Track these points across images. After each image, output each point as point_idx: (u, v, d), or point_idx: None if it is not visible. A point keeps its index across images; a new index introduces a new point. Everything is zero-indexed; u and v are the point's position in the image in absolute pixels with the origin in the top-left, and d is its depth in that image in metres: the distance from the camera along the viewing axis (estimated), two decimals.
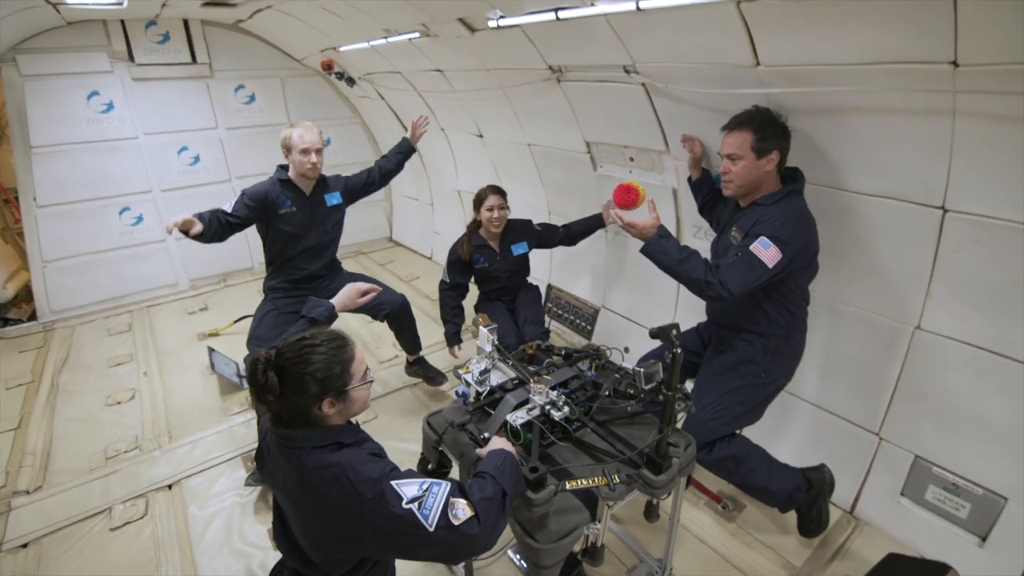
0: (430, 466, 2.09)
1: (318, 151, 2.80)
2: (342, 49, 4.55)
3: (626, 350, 3.90)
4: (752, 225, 1.94)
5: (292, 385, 1.31)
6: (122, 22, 4.71)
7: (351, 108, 6.10)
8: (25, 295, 5.13)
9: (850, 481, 2.52)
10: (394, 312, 3.21)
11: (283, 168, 2.89)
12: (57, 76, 4.56)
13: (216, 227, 2.64)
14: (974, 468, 2.14)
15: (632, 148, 3.05)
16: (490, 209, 3.13)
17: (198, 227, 2.54)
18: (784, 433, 2.78)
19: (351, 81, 5.24)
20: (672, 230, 3.05)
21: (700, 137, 2.54)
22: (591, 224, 3.37)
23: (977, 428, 2.10)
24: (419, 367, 3.52)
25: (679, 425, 2.20)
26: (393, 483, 1.27)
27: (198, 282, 5.53)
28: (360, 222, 6.44)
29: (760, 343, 2.16)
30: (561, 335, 4.23)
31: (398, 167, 3.28)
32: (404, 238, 6.54)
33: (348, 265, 5.91)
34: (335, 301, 2.09)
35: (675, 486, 1.98)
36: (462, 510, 1.27)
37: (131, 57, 4.80)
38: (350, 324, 4.58)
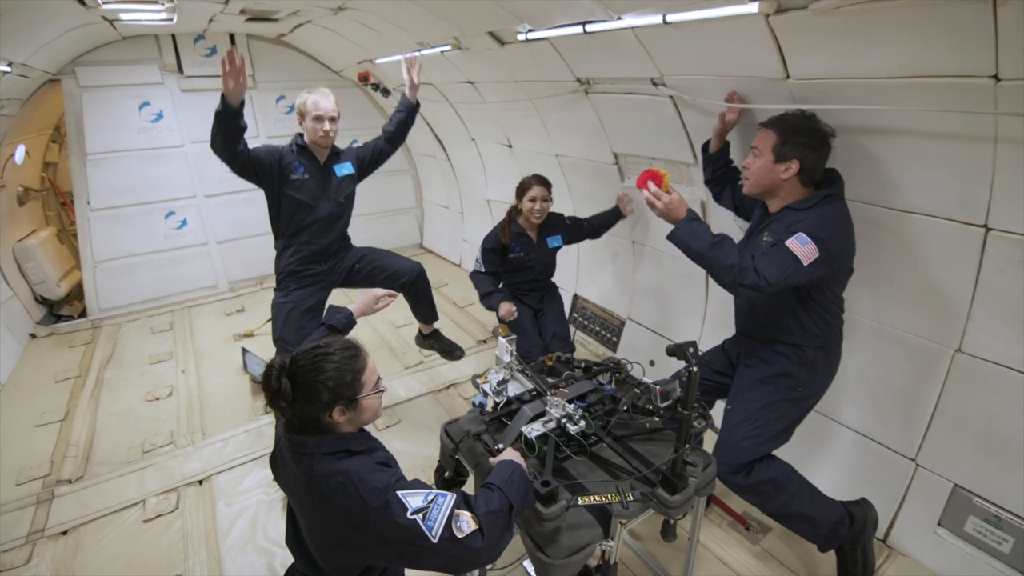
0: (447, 474, 2.10)
1: (332, 119, 2.70)
2: (378, 61, 4.68)
3: (652, 363, 3.83)
4: (789, 226, 1.83)
5: (304, 392, 1.34)
6: (172, 37, 4.97)
7: (386, 118, 6.22)
8: (77, 293, 5.43)
9: (884, 508, 2.40)
10: (411, 280, 3.10)
11: (300, 135, 2.80)
12: (112, 87, 4.84)
13: (242, 126, 2.45)
14: (1018, 500, 2.02)
15: (660, 160, 3.02)
16: (533, 200, 3.06)
17: (243, 89, 2.35)
18: (815, 456, 2.68)
19: (386, 92, 5.37)
20: None
21: (731, 142, 2.43)
22: (608, 218, 3.39)
23: (1022, 458, 1.98)
24: (434, 340, 3.44)
25: (711, 448, 2.14)
26: (399, 493, 1.28)
27: (236, 284, 5.73)
28: (392, 228, 6.59)
29: (796, 355, 2.05)
30: (586, 346, 4.20)
31: (399, 128, 3.04)
32: (434, 245, 6.62)
33: None
34: (353, 308, 2.15)
35: (693, 506, 1.94)
36: (466, 523, 1.27)
37: (180, 69, 5.06)
38: (377, 328, 4.68)
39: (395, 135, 3.07)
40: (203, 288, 5.58)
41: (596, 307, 4.16)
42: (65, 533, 2.70)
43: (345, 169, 2.92)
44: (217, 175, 5.43)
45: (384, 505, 1.26)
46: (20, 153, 4.96)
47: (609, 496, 1.58)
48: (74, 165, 4.88)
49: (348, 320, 2.15)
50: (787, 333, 2.04)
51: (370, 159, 3.04)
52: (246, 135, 2.52)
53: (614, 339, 3.97)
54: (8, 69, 3.49)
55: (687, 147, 2.74)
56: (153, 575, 2.45)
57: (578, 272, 4.31)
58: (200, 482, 3.01)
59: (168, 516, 2.79)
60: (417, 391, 3.76)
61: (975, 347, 2.03)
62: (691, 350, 1.38)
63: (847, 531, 2.09)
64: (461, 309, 5.03)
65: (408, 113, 3.03)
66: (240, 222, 5.55)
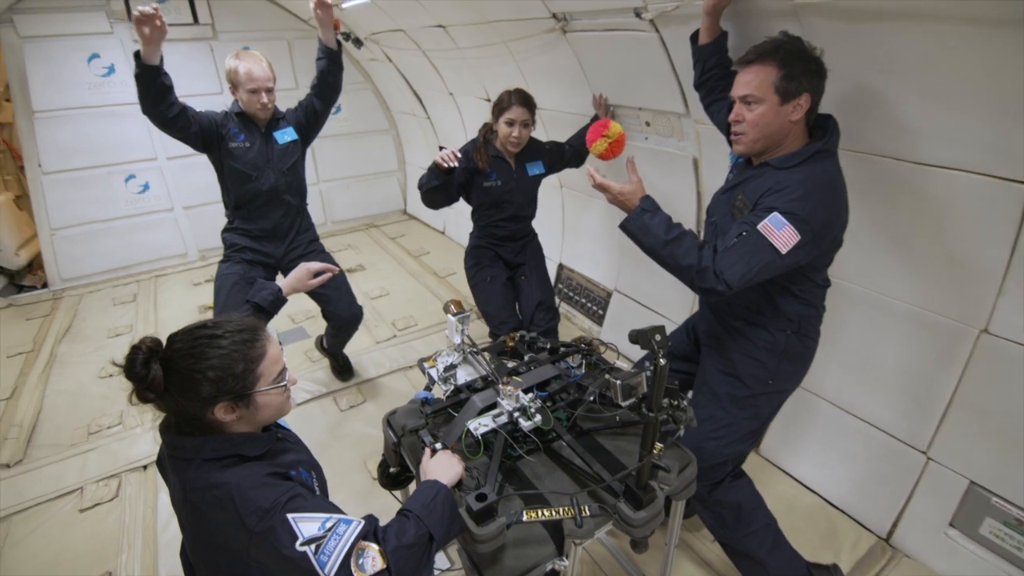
0: (392, 470, 1.86)
1: (268, 90, 2.47)
2: (344, 6, 4.23)
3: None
4: (763, 194, 1.49)
5: (179, 383, 1.09)
6: None
7: (362, 73, 5.80)
8: (40, 263, 5.14)
9: (888, 504, 2.16)
10: (343, 324, 3.00)
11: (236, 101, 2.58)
12: (56, 37, 4.41)
13: (166, 81, 2.27)
14: None
15: (648, 111, 2.65)
16: (510, 123, 2.49)
17: (157, 45, 2.17)
18: (811, 442, 2.42)
19: (358, 42, 4.93)
20: (691, 207, 2.69)
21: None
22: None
23: None
24: (332, 355, 3.38)
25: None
26: (290, 516, 1.03)
27: (208, 252, 5.42)
28: (373, 193, 6.24)
29: (765, 341, 1.72)
30: (571, 319, 3.92)
31: (321, 77, 2.66)
32: (418, 211, 6.28)
33: (359, 239, 5.79)
34: (283, 284, 1.86)
35: (672, 511, 1.68)
36: (371, 560, 1.01)
37: (130, 17, 4.59)
38: None
39: (320, 87, 2.70)
40: (171, 256, 5.29)
41: (582, 277, 3.85)
42: None
43: (287, 135, 2.67)
44: None
45: (268, 531, 1.01)
46: None
47: (562, 510, 1.31)
48: (21, 124, 4.51)
49: (276, 297, 1.86)
50: (757, 314, 1.71)
51: (306, 122, 2.74)
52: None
53: (600, 312, 3.68)
54: None
55: (677, 94, 2.37)
56: (79, 572, 2.23)
57: (563, 240, 3.99)
58: (145, 467, 2.78)
59: (106, 505, 2.57)
60: (386, 368, 3.50)
61: (1005, 328, 1.72)
62: (658, 337, 1.08)
63: None
64: (441, 279, 4.73)
65: (327, 58, 2.64)
66: (208, 186, 5.02)
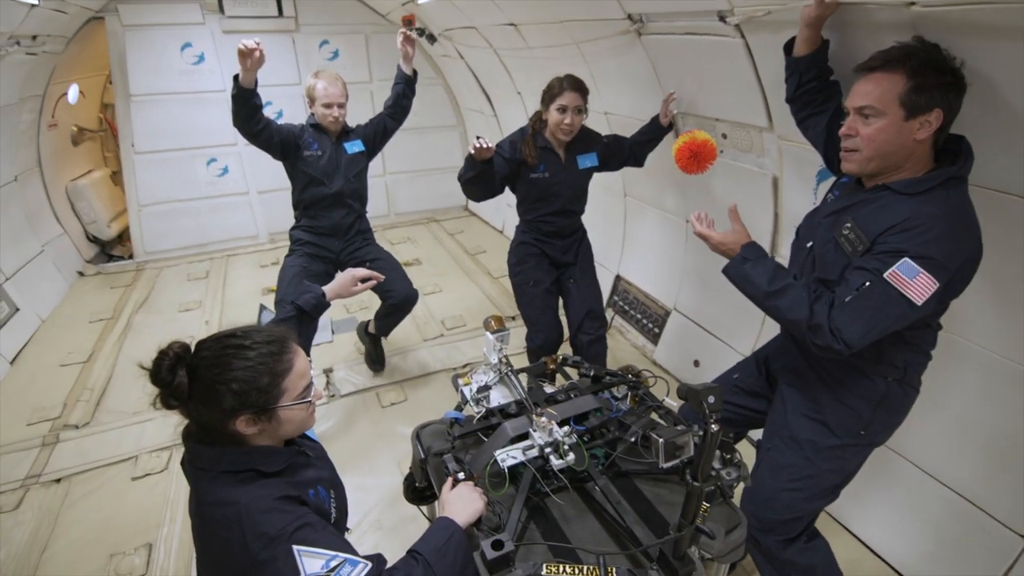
0: (418, 484, 1.80)
1: (340, 105, 2.77)
2: (420, 1, 4.24)
3: (696, 364, 3.29)
4: (885, 231, 1.27)
5: (202, 393, 1.07)
6: None
7: (434, 68, 5.82)
8: (128, 235, 5.54)
9: None
10: (398, 303, 3.04)
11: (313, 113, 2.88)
12: (154, 27, 4.72)
13: (258, 101, 2.52)
14: None
15: (726, 122, 2.44)
16: (562, 110, 2.35)
17: (257, 62, 2.38)
18: (884, 501, 2.15)
19: (432, 38, 4.92)
20: (766, 229, 2.45)
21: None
22: (647, 132, 2.65)
23: None
24: (371, 342, 3.39)
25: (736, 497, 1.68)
26: (295, 548, 0.98)
27: (277, 236, 5.63)
28: (436, 187, 6.24)
29: (862, 388, 1.50)
30: (624, 334, 3.74)
31: (397, 100, 2.97)
32: (479, 208, 6.25)
33: (419, 232, 5.84)
34: (327, 288, 1.84)
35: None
36: None
37: (221, 9, 4.84)
38: None
39: (394, 109, 3.00)
40: (243, 238, 5.55)
41: (639, 292, 3.66)
42: (58, 481, 2.67)
43: (356, 147, 2.95)
44: None
45: (270, 560, 0.97)
46: (73, 92, 4.99)
47: (587, 570, 1.19)
48: (119, 106, 4.86)
49: (319, 301, 1.85)
50: (856, 356, 1.45)
51: (374, 137, 3.01)
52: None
53: (656, 330, 3.48)
54: (36, 2, 3.36)
55: (760, 106, 2.15)
56: (123, 540, 2.33)
57: (623, 250, 3.80)
58: None
59: (156, 476, 2.69)
60: (431, 367, 3.47)
61: None
62: (711, 400, 0.93)
63: None
64: (495, 280, 4.67)
65: (405, 84, 2.96)
66: (282, 173, 5.39)
